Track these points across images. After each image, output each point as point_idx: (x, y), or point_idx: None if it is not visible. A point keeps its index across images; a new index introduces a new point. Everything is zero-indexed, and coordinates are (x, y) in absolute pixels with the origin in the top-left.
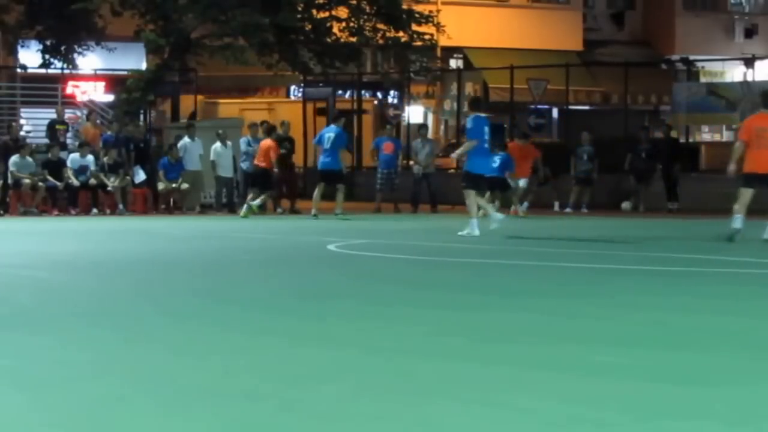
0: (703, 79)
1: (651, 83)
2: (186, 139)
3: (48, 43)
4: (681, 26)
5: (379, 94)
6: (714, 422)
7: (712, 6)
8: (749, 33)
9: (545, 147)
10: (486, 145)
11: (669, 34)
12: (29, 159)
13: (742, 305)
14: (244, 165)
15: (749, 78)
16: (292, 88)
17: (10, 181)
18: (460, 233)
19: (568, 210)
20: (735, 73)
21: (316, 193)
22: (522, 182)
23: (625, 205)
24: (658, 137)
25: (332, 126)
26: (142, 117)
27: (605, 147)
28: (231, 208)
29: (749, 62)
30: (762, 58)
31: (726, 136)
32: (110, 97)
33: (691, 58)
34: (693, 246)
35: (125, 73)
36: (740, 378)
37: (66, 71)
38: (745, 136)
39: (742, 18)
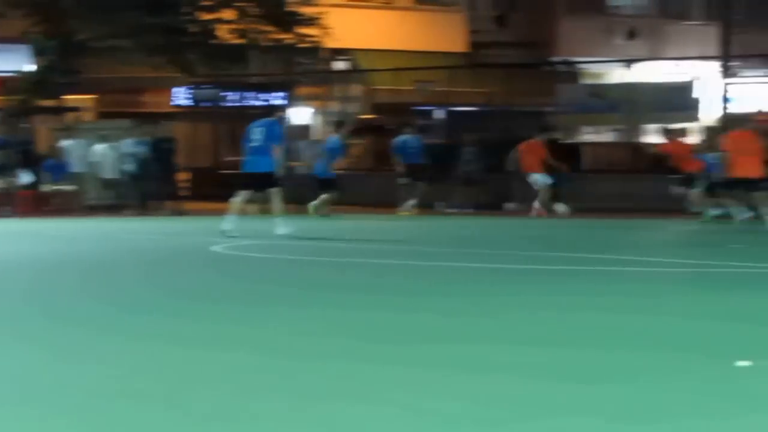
0: (584, 81)
1: (535, 85)
2: (70, 141)
3: None
4: (564, 28)
5: (266, 96)
6: (599, 419)
7: (594, 8)
8: (630, 35)
9: (429, 148)
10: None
11: (552, 36)
12: None
13: (635, 303)
14: (129, 167)
15: (629, 79)
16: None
17: None
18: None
19: (452, 210)
20: (616, 74)
21: (239, 200)
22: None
23: (509, 205)
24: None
25: (264, 119)
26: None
27: (490, 148)
28: (116, 209)
29: (629, 64)
30: (642, 59)
31: (608, 136)
32: None
33: (573, 59)
34: (580, 245)
35: (11, 75)
36: (630, 375)
37: None
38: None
39: (623, 20)
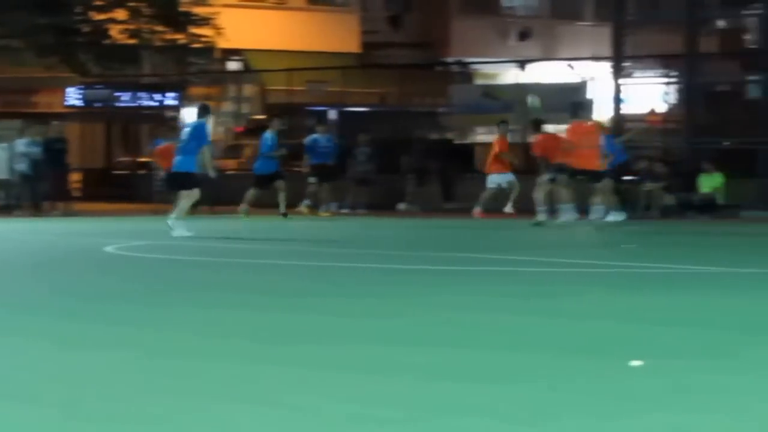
0: (478, 81)
1: (428, 85)
2: None
3: None
4: (457, 29)
5: (159, 96)
6: (493, 420)
7: (487, 9)
8: (523, 36)
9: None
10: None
11: (445, 36)
12: None
13: (531, 304)
14: (21, 167)
15: (522, 79)
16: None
17: None
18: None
19: (345, 210)
20: (509, 75)
21: (185, 203)
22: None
23: (402, 205)
24: (435, 138)
25: (194, 120)
26: None
27: (383, 148)
28: (8, 209)
29: (523, 64)
30: (535, 60)
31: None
32: None
33: (467, 60)
34: (476, 245)
35: None
36: (525, 376)
37: None
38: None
39: (516, 21)
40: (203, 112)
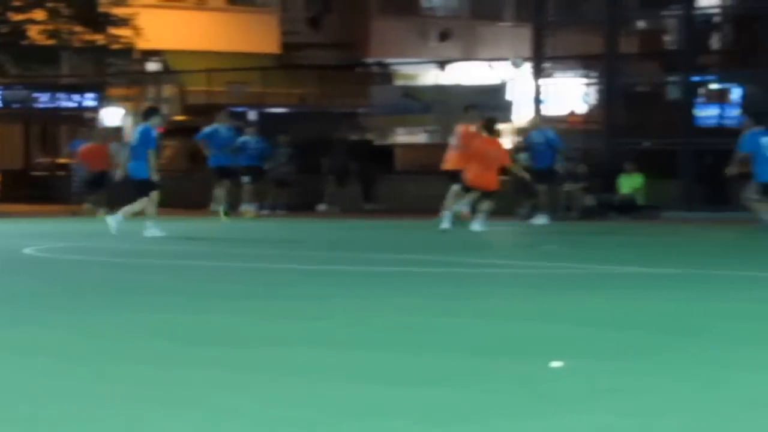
0: (398, 82)
1: (348, 86)
2: None
3: None
4: (377, 29)
5: (78, 97)
6: (407, 421)
7: (407, 10)
8: (443, 36)
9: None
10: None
11: (365, 37)
12: None
13: (449, 305)
14: None
15: (442, 80)
16: None
17: None
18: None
19: (264, 212)
20: (429, 75)
21: (137, 207)
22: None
23: (322, 206)
24: (355, 139)
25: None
26: None
27: (303, 149)
28: None
29: (442, 65)
30: (455, 61)
31: (421, 137)
32: None
33: (387, 61)
34: (397, 246)
35: None
36: (442, 377)
37: None
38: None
39: (436, 22)
40: (148, 115)
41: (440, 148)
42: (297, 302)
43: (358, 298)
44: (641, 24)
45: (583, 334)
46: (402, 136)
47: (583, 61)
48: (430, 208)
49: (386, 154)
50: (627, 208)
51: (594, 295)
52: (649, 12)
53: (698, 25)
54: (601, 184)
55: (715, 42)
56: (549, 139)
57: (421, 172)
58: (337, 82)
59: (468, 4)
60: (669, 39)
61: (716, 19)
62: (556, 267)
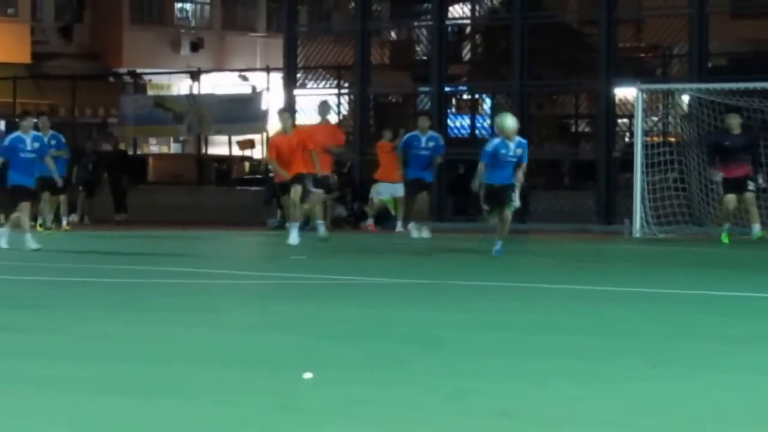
0: (150, 92)
1: (99, 96)
2: None
3: None
4: (128, 39)
5: None
6: None
7: (158, 20)
8: (195, 47)
9: None
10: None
11: (117, 47)
12: None
13: (199, 317)
14: None
15: (195, 91)
16: None
17: None
18: None
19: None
20: (182, 86)
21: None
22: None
23: (73, 216)
24: (106, 149)
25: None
26: None
27: None
28: None
29: (195, 75)
30: (207, 71)
31: (173, 148)
32: None
33: (139, 71)
34: (144, 256)
35: None
36: (193, 390)
37: None
38: None
39: (188, 32)
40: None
41: (192, 158)
42: (43, 313)
43: (96, 310)
44: (393, 35)
45: (331, 345)
46: (155, 146)
47: (335, 71)
48: (182, 219)
49: (138, 164)
50: (379, 219)
51: (340, 306)
52: (401, 22)
53: (449, 36)
54: (353, 194)
55: (466, 53)
56: None
57: (172, 182)
58: (89, 93)
59: (219, 14)
60: (421, 49)
61: (467, 30)
62: (304, 278)
